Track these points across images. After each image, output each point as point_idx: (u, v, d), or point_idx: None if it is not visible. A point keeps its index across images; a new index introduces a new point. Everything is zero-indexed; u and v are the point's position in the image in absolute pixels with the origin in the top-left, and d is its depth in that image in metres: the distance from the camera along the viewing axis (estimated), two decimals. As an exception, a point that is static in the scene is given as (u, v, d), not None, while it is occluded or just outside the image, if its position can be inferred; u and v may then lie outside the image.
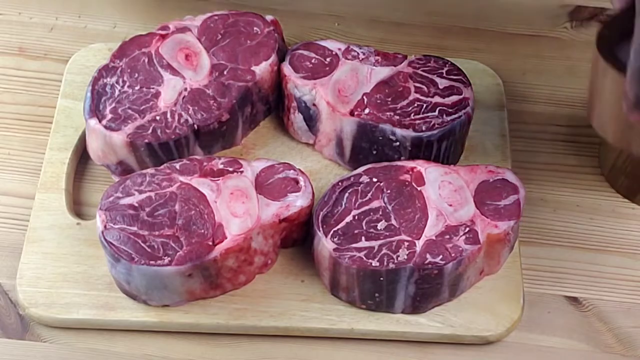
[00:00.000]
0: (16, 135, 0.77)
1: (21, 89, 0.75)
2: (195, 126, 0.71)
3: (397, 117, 0.71)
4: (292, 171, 0.69)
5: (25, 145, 0.77)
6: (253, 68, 0.73)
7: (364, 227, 0.67)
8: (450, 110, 0.71)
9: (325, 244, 0.66)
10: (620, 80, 0.57)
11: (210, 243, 0.65)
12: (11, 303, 0.69)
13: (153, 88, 0.72)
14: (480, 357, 0.68)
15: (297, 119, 0.75)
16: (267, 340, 0.68)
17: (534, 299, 0.71)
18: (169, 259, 0.64)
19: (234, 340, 0.68)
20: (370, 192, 0.68)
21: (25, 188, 0.74)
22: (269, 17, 0.76)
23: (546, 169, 0.78)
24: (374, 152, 0.72)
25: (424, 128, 0.71)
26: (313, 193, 0.68)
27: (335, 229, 0.66)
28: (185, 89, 0.72)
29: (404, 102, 0.72)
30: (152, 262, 0.64)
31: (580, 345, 0.69)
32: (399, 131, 0.70)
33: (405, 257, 0.65)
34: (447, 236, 0.66)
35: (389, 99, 0.72)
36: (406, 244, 0.65)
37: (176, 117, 0.71)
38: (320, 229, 0.66)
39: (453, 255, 0.65)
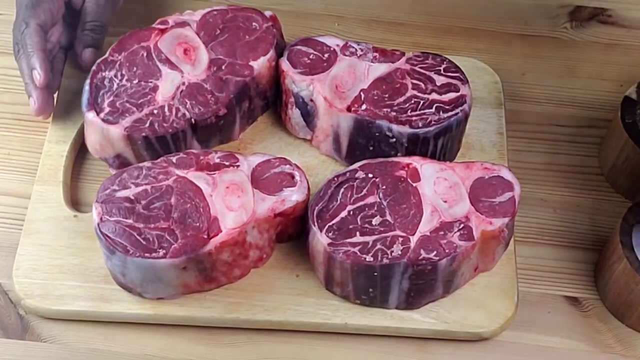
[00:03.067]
0: (16, 135, 0.78)
1: (21, 89, 0.75)
2: (193, 120, 0.71)
3: (394, 114, 0.71)
4: (287, 166, 0.69)
5: (25, 145, 0.77)
6: (251, 63, 0.74)
7: (359, 223, 0.67)
8: (447, 107, 0.71)
9: (320, 239, 0.66)
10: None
11: (206, 236, 0.65)
12: (11, 303, 0.69)
13: (151, 82, 0.72)
14: (480, 356, 0.68)
15: (294, 114, 0.75)
16: (267, 341, 0.68)
17: (534, 299, 0.71)
18: (164, 251, 0.64)
19: (234, 340, 0.68)
20: (366, 188, 0.68)
21: (25, 188, 0.74)
22: (267, 13, 0.76)
23: (546, 169, 0.78)
24: (371, 148, 0.72)
25: (420, 125, 0.71)
26: (309, 188, 0.69)
27: (330, 223, 0.67)
28: (183, 83, 0.72)
29: (401, 99, 0.72)
30: (147, 254, 0.64)
31: (580, 345, 0.69)
32: (396, 127, 0.70)
33: (400, 252, 0.65)
34: (442, 232, 0.66)
35: (386, 96, 0.72)
36: (400, 239, 0.65)
37: (174, 111, 0.71)
38: (315, 223, 0.67)
39: (447, 251, 0.65)
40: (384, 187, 0.68)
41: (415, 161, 0.69)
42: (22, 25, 0.73)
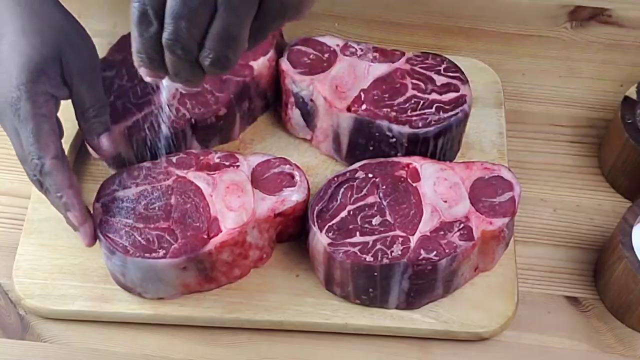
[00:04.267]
0: (17, 135, 0.78)
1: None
2: (193, 120, 0.71)
3: (394, 114, 0.71)
4: (287, 166, 0.69)
5: (26, 145, 0.77)
6: (251, 63, 0.73)
7: (359, 223, 0.67)
8: (447, 107, 0.71)
9: (320, 239, 0.66)
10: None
11: (206, 236, 0.65)
12: (11, 303, 0.69)
13: (151, 82, 0.72)
14: (480, 356, 0.68)
15: (294, 114, 0.75)
16: (267, 340, 0.68)
17: (535, 299, 0.71)
18: (164, 251, 0.64)
19: (234, 340, 0.68)
20: (366, 188, 0.68)
21: (25, 188, 0.74)
22: (268, 13, 0.76)
23: (546, 169, 0.78)
24: (371, 148, 0.72)
25: (420, 125, 0.71)
26: (308, 188, 0.69)
27: (330, 223, 0.67)
28: (184, 84, 0.72)
29: (401, 99, 0.72)
30: (147, 254, 0.64)
31: (580, 345, 0.69)
32: (396, 127, 0.70)
33: (400, 252, 0.65)
34: (442, 232, 0.66)
35: (386, 96, 0.72)
36: (400, 239, 0.65)
37: (174, 111, 0.71)
38: (315, 223, 0.67)
39: (447, 251, 0.65)
40: (384, 187, 0.68)
41: (415, 161, 0.69)
42: (36, 165, 0.62)
